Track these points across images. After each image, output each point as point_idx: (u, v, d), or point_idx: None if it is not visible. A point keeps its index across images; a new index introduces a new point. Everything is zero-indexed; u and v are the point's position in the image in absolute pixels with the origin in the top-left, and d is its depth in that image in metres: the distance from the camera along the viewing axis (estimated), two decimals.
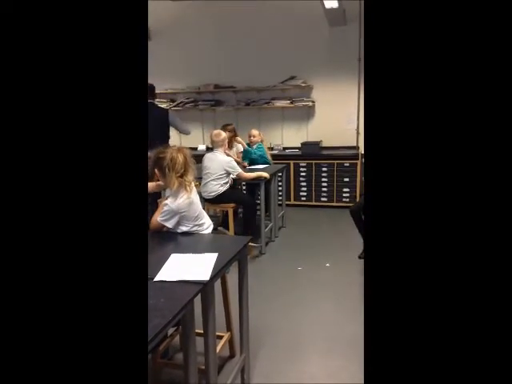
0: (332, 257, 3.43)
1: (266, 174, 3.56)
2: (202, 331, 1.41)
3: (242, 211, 3.52)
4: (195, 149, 5.46)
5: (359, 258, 3.16)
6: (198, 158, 3.57)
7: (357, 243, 3.29)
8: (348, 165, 4.99)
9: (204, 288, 1.30)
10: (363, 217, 3.01)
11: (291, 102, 5.31)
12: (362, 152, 5.04)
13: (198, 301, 1.31)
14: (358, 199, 4.70)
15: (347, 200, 4.94)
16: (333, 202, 5.07)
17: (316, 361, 2.04)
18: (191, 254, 1.52)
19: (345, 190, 5.05)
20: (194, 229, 1.86)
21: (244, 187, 4.45)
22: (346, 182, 5.03)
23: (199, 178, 3.30)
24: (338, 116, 5.25)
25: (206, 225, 1.92)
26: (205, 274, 1.33)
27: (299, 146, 5.28)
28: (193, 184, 1.87)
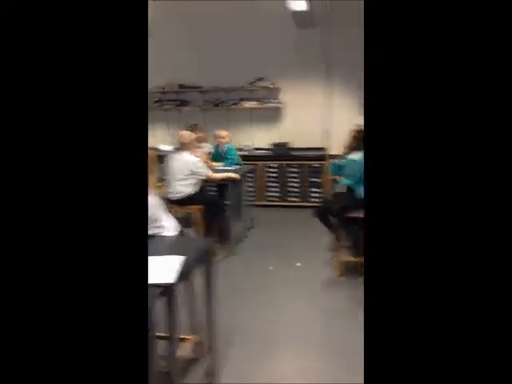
0: (302, 256, 3.46)
1: (235, 175, 3.54)
2: (166, 334, 1.36)
3: (207, 212, 3.47)
4: (159, 149, 5.36)
5: (330, 251, 3.21)
6: (163, 158, 3.53)
7: (327, 242, 3.34)
8: (317, 166, 5.06)
9: (168, 290, 1.26)
10: (330, 217, 3.07)
11: (260, 103, 5.32)
12: (330, 153, 5.13)
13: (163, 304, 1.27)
14: (326, 199, 4.78)
15: (316, 200, 5.00)
16: (302, 202, 5.12)
17: (287, 360, 2.04)
18: (156, 257, 1.47)
19: (314, 190, 5.11)
20: (156, 231, 1.80)
21: (213, 188, 4.41)
22: (315, 182, 5.10)
23: (162, 180, 3.23)
24: (307, 118, 5.31)
25: (168, 227, 1.87)
26: (169, 277, 1.29)
27: (269, 147, 5.30)
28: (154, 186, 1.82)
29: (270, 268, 3.23)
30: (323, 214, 3.12)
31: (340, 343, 2.16)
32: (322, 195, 4.99)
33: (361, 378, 1.81)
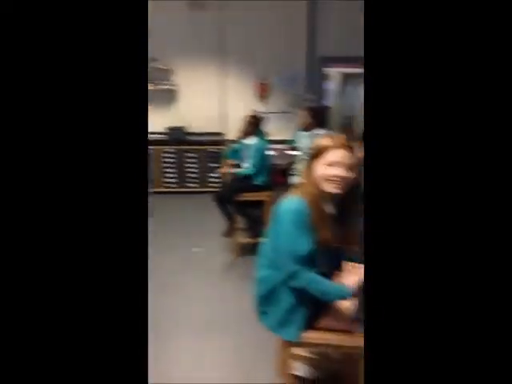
0: (201, 242, 3.44)
1: None
2: None
3: None
4: None
5: (224, 236, 3.24)
6: None
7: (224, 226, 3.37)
8: (215, 150, 5.06)
9: None
10: (227, 204, 3.11)
11: (151, 85, 5.04)
12: (228, 138, 5.17)
13: None
14: (224, 184, 4.82)
15: (216, 185, 5.01)
16: (202, 187, 5.08)
17: (182, 342, 2.03)
18: None
19: (213, 175, 5.11)
20: None
21: None
22: (214, 167, 5.10)
23: None
24: (203, 101, 5.23)
25: None
26: None
27: (164, 131, 5.09)
28: None
29: (157, 256, 3.15)
30: (220, 198, 3.14)
31: (232, 319, 2.23)
32: (221, 180, 5.02)
33: (252, 352, 1.92)
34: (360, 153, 1.54)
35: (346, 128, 6.84)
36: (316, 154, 1.34)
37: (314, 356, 1.72)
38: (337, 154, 1.30)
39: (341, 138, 1.34)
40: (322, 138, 1.39)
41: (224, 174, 3.80)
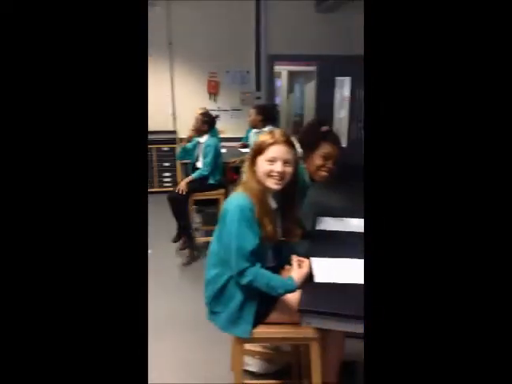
0: (154, 243, 3.36)
1: None
2: None
3: None
4: None
5: (173, 241, 3.18)
6: None
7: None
8: (167, 149, 4.95)
9: None
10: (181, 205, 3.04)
11: None
12: (180, 136, 5.07)
13: None
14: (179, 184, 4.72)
15: (169, 185, 4.92)
16: (154, 187, 4.96)
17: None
18: None
19: (166, 174, 5.01)
20: None
21: None
22: (167, 166, 4.99)
23: None
24: (153, 100, 5.07)
25: None
26: None
27: None
28: None
29: None
30: (175, 199, 3.07)
31: (187, 317, 2.24)
32: (175, 179, 4.92)
33: (213, 350, 1.90)
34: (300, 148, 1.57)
35: (296, 125, 6.97)
36: (258, 150, 1.35)
37: (266, 350, 1.74)
38: (277, 150, 1.32)
39: (281, 133, 1.36)
40: (263, 134, 1.41)
41: (179, 173, 3.70)
